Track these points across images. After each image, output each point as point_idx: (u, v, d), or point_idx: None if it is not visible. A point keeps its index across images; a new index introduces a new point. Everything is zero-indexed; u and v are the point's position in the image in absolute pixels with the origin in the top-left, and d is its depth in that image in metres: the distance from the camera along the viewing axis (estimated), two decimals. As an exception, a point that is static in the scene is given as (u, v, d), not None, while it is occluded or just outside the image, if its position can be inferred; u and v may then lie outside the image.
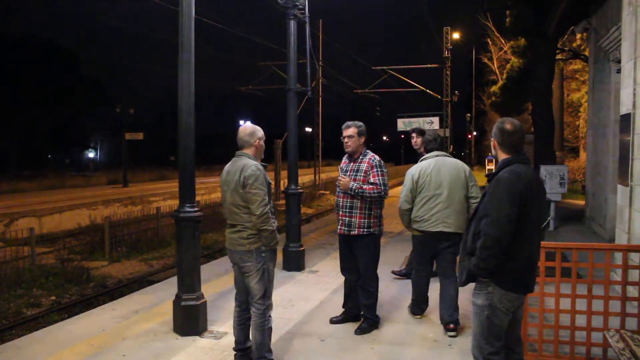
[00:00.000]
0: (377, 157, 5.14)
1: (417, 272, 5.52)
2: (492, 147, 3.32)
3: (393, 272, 7.33)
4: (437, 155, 5.27)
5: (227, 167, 4.23)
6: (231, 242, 4.20)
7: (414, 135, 6.79)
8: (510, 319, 3.19)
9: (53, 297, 9.63)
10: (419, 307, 5.64)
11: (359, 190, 4.97)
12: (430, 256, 5.41)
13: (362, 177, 5.04)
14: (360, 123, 5.19)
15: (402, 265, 7.52)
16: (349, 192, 5.02)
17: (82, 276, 10.77)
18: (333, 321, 5.42)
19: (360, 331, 5.11)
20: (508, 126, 3.19)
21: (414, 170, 5.27)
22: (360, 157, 5.15)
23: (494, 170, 3.26)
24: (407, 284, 6.91)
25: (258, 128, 4.27)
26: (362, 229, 5.05)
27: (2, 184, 28.76)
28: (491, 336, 3.14)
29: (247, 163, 4.09)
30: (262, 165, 4.19)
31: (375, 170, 5.04)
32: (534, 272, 3.23)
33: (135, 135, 30.51)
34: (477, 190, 5.23)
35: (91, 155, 63.91)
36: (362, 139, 5.16)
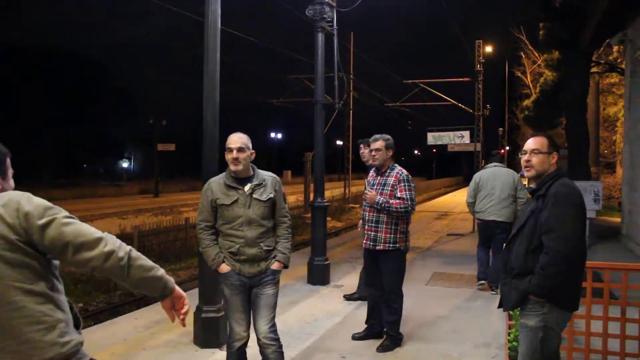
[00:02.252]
0: (404, 171, 5.04)
1: (478, 249, 7.44)
2: (547, 161, 3.07)
3: (345, 297, 6.88)
4: (495, 165, 7.28)
5: None
6: None
7: (362, 146, 6.71)
8: None
9: (81, 304, 9.74)
10: (482, 274, 7.38)
11: (386, 205, 4.87)
12: (486, 238, 7.26)
13: (389, 191, 4.95)
14: (388, 136, 5.11)
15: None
16: (375, 206, 4.93)
17: (110, 284, 10.89)
18: (355, 337, 5.30)
19: (382, 348, 4.98)
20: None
21: (477, 175, 7.34)
22: (388, 171, 5.06)
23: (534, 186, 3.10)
24: (434, 302, 6.77)
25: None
26: (387, 244, 4.94)
27: (38, 192, 29.29)
28: (545, 359, 2.97)
29: None
30: (228, 177, 3.70)
31: (402, 184, 4.94)
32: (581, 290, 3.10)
33: (167, 146, 30.99)
34: (525, 193, 7.00)
35: (125, 165, 65.07)
36: (390, 153, 5.07)
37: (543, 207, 2.94)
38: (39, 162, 48.33)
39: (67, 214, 1.88)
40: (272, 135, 60.51)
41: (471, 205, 7.31)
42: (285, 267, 3.80)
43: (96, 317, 8.99)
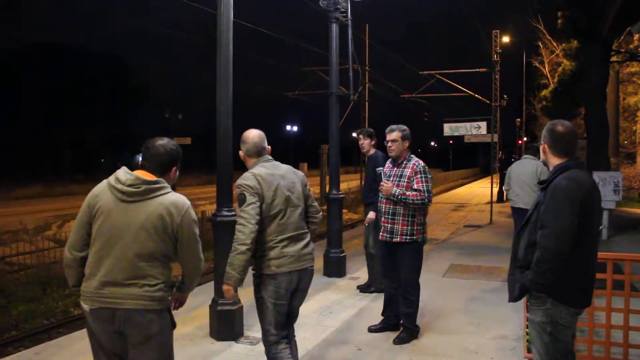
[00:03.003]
0: (421, 163, 4.99)
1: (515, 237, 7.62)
2: (541, 151, 3.04)
3: (359, 288, 6.92)
4: (525, 157, 7.86)
5: (274, 171, 3.51)
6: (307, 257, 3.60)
7: (361, 137, 6.68)
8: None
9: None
10: None
11: (402, 197, 4.82)
12: (519, 226, 7.51)
13: (405, 183, 4.90)
14: (404, 127, 5.06)
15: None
16: (392, 198, 4.89)
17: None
18: (371, 330, 5.29)
19: (398, 341, 4.96)
20: (560, 127, 2.94)
21: (510, 167, 8.08)
22: (404, 162, 5.01)
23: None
24: (451, 294, 6.72)
25: None
26: (404, 236, 4.90)
27: (57, 187, 29.85)
28: (558, 354, 2.88)
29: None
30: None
31: (419, 176, 4.88)
32: (593, 285, 2.96)
33: (183, 139, 30.97)
34: None
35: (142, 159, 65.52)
36: (406, 144, 5.02)
37: (543, 200, 2.85)
38: (58, 157, 48.95)
39: (198, 232, 2.80)
40: (289, 128, 60.37)
41: (507, 192, 8.11)
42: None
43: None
